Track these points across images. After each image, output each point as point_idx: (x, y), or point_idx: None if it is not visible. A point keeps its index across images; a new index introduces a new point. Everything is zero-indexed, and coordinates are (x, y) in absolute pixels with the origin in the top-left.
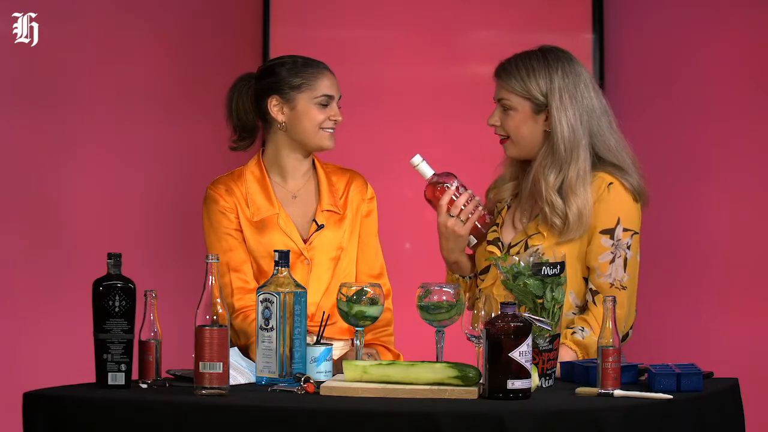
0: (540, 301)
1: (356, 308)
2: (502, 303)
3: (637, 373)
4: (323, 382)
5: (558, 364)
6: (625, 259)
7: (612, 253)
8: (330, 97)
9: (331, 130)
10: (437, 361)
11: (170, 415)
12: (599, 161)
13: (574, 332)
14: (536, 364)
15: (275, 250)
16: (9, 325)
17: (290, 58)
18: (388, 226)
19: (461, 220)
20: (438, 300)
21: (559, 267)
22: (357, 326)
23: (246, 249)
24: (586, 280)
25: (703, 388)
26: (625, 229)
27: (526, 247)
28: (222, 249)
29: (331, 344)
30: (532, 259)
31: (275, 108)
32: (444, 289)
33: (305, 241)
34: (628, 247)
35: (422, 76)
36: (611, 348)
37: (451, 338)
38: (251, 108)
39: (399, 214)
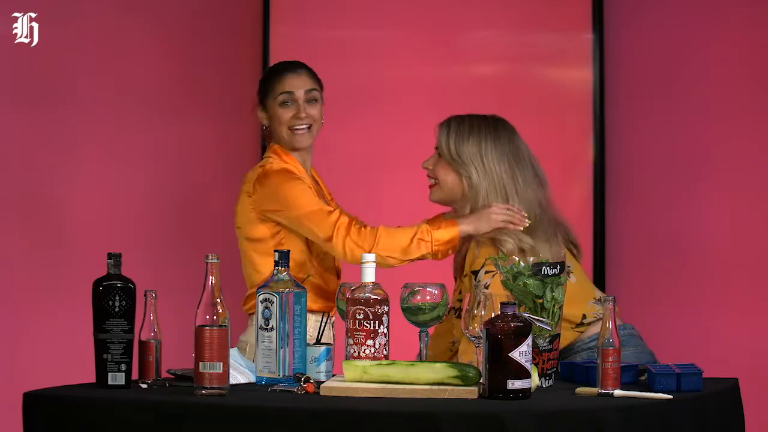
0: (540, 301)
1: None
2: (502, 303)
3: (637, 373)
4: (323, 382)
5: (558, 365)
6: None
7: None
8: (289, 94)
9: (302, 129)
10: (437, 361)
11: (170, 415)
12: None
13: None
14: (536, 364)
15: (275, 250)
16: (9, 325)
17: (272, 66)
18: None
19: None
20: (421, 301)
21: (559, 267)
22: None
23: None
24: None
25: (703, 388)
26: (487, 272)
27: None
28: (313, 198)
29: (331, 344)
30: (532, 259)
31: (261, 115)
32: (427, 289)
33: None
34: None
35: (422, 76)
36: (611, 348)
37: None
38: None
39: (398, 213)
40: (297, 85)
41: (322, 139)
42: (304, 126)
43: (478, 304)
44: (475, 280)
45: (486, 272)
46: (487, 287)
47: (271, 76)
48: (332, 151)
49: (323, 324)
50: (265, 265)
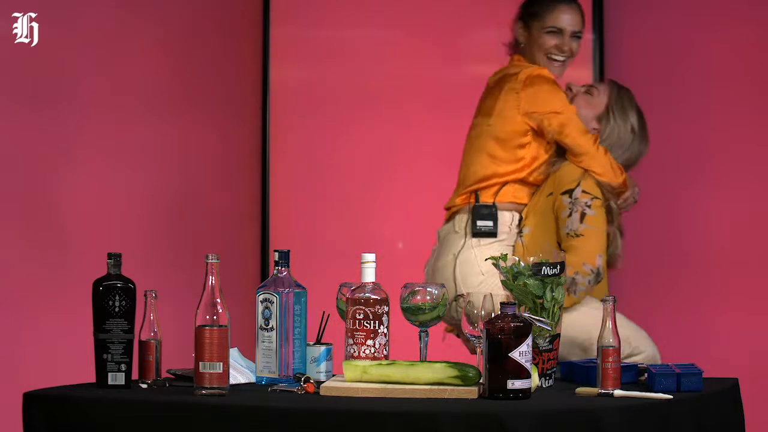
0: (540, 301)
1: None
2: (502, 303)
3: (637, 373)
4: (323, 382)
5: (558, 364)
6: (582, 214)
7: (569, 208)
8: (559, 29)
9: (559, 59)
10: (437, 361)
11: (170, 415)
12: None
13: None
14: (536, 364)
15: (275, 250)
16: (9, 325)
17: None
18: (383, 225)
19: None
20: (421, 301)
21: (559, 267)
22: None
23: None
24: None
25: (703, 388)
26: (583, 191)
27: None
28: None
29: (331, 344)
30: (532, 259)
31: (519, 30)
32: (427, 289)
33: None
34: (588, 206)
35: (422, 76)
36: (611, 348)
37: (450, 338)
38: None
39: (398, 212)
40: (569, 21)
41: (322, 138)
42: (563, 58)
43: (576, 218)
44: (570, 197)
45: (583, 191)
46: (589, 206)
47: (546, 2)
48: (332, 150)
49: (323, 324)
50: (500, 163)
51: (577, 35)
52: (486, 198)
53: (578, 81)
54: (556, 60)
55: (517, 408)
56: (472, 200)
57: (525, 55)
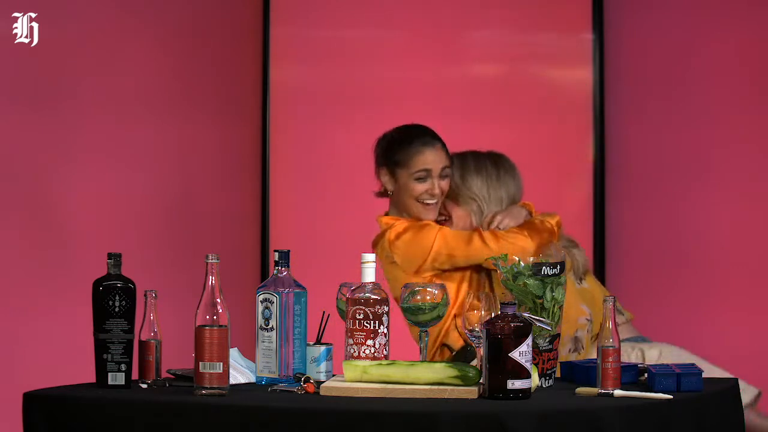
0: (540, 301)
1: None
2: (502, 303)
3: (637, 373)
4: (323, 382)
5: (558, 364)
6: None
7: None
8: (426, 171)
9: (431, 202)
10: (437, 361)
11: (170, 415)
12: None
13: None
14: (536, 364)
15: (275, 250)
16: (9, 324)
17: (396, 132)
18: None
19: None
20: (421, 301)
21: (559, 267)
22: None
23: None
24: None
25: (703, 388)
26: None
27: None
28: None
29: (331, 344)
30: (532, 259)
31: (384, 178)
32: (427, 289)
33: None
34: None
35: (422, 76)
36: (611, 348)
37: None
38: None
39: None
40: (435, 161)
41: (322, 138)
42: (434, 201)
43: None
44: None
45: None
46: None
47: (407, 147)
48: (332, 150)
49: (323, 324)
50: None
51: (444, 173)
52: (453, 342)
53: (578, 81)
54: (428, 204)
55: (517, 408)
56: (448, 354)
57: (394, 202)
